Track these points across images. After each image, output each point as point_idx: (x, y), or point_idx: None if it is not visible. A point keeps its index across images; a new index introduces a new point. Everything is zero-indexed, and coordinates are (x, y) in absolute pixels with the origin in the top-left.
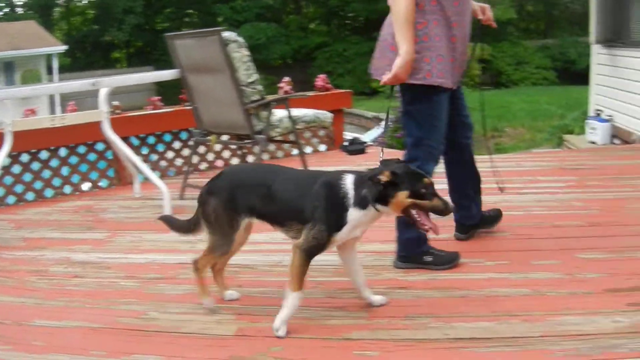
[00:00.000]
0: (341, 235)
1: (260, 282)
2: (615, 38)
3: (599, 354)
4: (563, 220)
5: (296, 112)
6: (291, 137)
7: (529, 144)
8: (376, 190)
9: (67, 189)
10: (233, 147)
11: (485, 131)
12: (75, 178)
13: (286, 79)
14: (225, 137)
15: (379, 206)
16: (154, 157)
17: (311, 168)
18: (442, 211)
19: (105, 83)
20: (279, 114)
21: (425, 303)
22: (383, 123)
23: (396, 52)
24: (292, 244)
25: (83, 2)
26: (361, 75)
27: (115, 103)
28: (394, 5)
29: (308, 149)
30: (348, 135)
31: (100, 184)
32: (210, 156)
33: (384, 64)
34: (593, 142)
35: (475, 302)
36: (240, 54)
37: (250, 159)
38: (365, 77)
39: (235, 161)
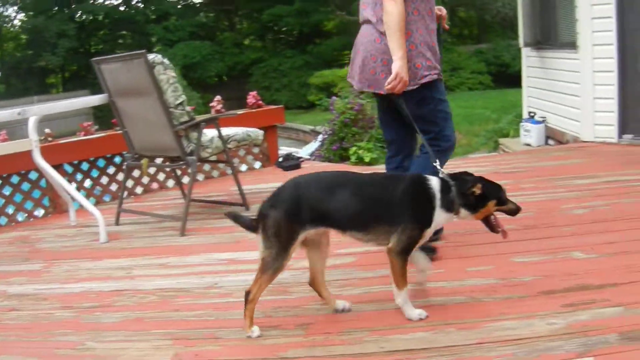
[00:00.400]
0: (428, 232)
1: (195, 305)
2: (544, 40)
3: (536, 357)
4: None
5: (227, 131)
6: (225, 157)
7: (465, 149)
8: (469, 200)
9: (2, 220)
10: (168, 169)
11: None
12: (10, 208)
13: (218, 97)
14: (159, 160)
15: (464, 212)
16: (89, 183)
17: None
18: (516, 212)
19: (32, 112)
20: (209, 134)
21: (361, 317)
22: (320, 137)
23: (377, 61)
24: (385, 250)
25: (15, 27)
26: (298, 89)
27: (47, 130)
28: (388, 17)
29: (243, 167)
30: (284, 150)
31: (35, 213)
32: (145, 180)
33: (371, 75)
34: (528, 144)
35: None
36: (167, 76)
37: (185, 180)
38: (302, 91)
39: (171, 183)
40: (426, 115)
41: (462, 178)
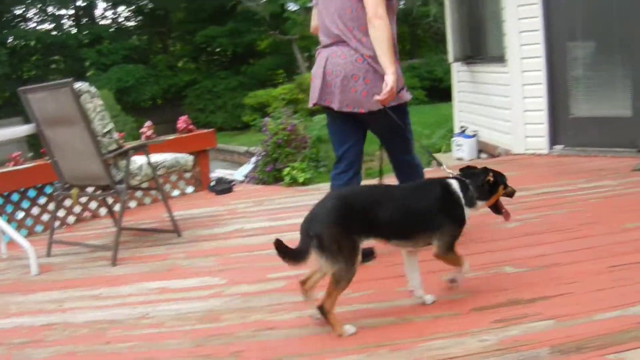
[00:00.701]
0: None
1: (128, 337)
2: (473, 54)
3: None
4: None
5: (156, 157)
6: (155, 183)
7: None
8: (484, 191)
9: None
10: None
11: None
12: None
13: (148, 123)
14: (90, 189)
15: (479, 203)
16: (20, 214)
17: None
18: (514, 194)
19: None
20: (139, 161)
21: (295, 342)
22: (254, 158)
23: (359, 80)
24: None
25: None
26: (232, 110)
27: None
28: (381, 33)
29: (175, 192)
30: (219, 173)
31: None
32: (77, 209)
33: (352, 94)
34: (460, 159)
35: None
36: (94, 104)
37: (117, 207)
38: (237, 112)
39: (104, 212)
40: (400, 130)
41: (472, 173)
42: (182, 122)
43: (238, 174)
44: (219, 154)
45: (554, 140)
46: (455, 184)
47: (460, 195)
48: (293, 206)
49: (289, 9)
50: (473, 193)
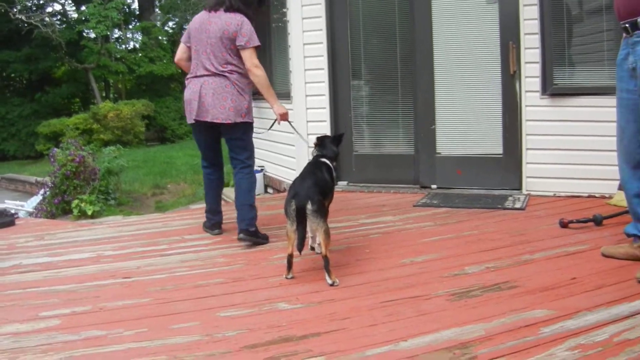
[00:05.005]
0: None
1: None
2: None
3: None
4: (205, 279)
5: None
6: None
7: (190, 199)
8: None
9: None
10: None
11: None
12: None
13: None
14: None
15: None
16: None
17: None
18: None
19: None
20: None
21: None
22: (42, 190)
23: (227, 100)
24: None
25: None
26: (26, 138)
27: None
28: (260, 79)
29: None
30: (9, 203)
31: None
32: None
33: (222, 110)
34: None
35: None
36: None
37: None
38: (31, 140)
39: None
40: (247, 141)
41: (323, 146)
42: None
43: (29, 204)
44: (10, 183)
45: (337, 176)
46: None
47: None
48: (73, 241)
49: (87, 36)
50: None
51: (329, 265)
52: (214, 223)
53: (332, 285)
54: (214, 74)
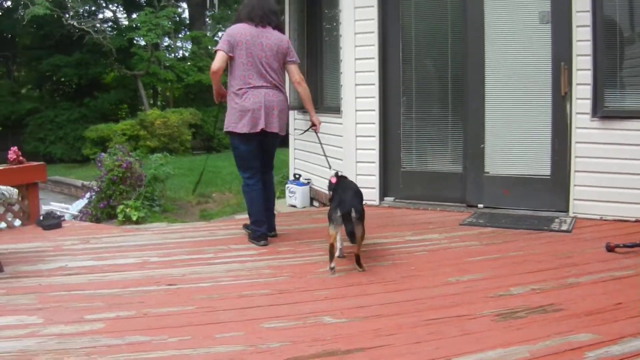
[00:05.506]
0: None
1: None
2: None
3: None
4: (250, 290)
5: None
6: None
7: (234, 208)
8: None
9: None
10: None
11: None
12: None
13: None
14: None
15: None
16: None
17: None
18: None
19: None
20: None
21: None
22: (88, 194)
23: (284, 112)
24: None
25: None
26: (73, 142)
27: None
28: (305, 88)
29: (2, 225)
30: (54, 206)
31: None
32: None
33: (282, 122)
34: (293, 206)
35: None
36: None
37: None
38: (78, 144)
39: None
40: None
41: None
42: (12, 152)
43: (74, 207)
44: (56, 186)
45: (384, 192)
46: None
47: None
48: (118, 246)
49: (137, 43)
50: None
51: (360, 259)
52: (260, 234)
53: (362, 270)
54: (274, 87)
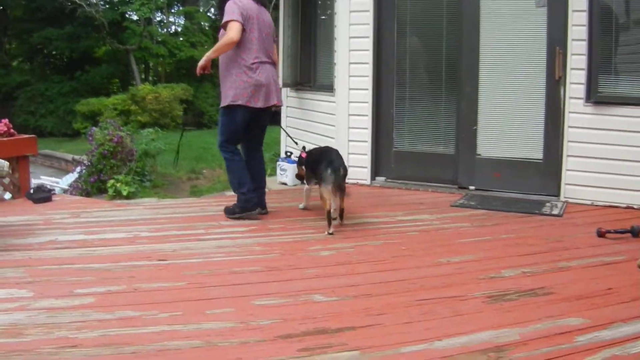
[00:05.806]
0: None
1: None
2: (303, 81)
3: None
4: (241, 266)
5: None
6: None
7: (225, 185)
8: None
9: None
10: None
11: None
12: None
13: None
14: None
15: None
16: None
17: None
18: None
19: None
20: None
21: None
22: (79, 168)
23: (277, 85)
24: None
25: None
26: (64, 116)
27: None
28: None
29: None
30: (44, 180)
31: None
32: None
33: (278, 93)
34: (284, 184)
35: (145, 357)
36: None
37: None
38: (68, 118)
39: None
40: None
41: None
42: (3, 125)
43: (64, 182)
44: (46, 160)
45: (376, 171)
46: None
47: None
48: (109, 221)
49: (129, 17)
50: None
51: (344, 213)
52: (254, 203)
53: (341, 223)
54: (272, 63)
